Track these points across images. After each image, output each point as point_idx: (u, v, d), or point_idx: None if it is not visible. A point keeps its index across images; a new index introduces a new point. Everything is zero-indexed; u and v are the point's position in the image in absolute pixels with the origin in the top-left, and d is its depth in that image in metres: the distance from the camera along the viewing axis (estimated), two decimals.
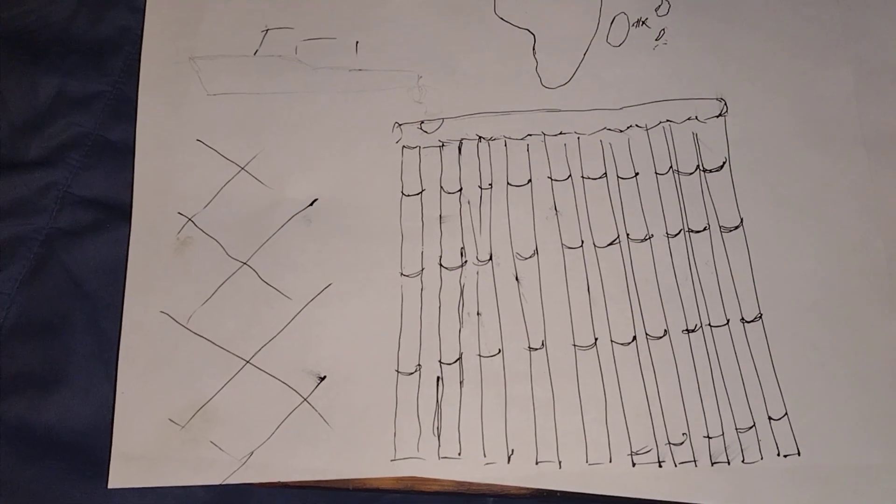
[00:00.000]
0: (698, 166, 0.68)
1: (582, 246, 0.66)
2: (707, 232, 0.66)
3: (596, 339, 0.64)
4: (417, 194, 0.68)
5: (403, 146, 0.69)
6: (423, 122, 0.70)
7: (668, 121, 0.69)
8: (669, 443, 0.61)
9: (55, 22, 0.75)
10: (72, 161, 0.71)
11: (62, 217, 0.70)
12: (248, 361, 0.64)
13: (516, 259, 0.66)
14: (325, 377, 0.63)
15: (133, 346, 0.65)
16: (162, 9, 0.74)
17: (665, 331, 0.64)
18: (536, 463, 0.61)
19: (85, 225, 0.70)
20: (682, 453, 0.61)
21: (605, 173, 0.68)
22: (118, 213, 0.69)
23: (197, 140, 0.70)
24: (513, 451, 0.62)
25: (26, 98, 0.73)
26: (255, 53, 0.72)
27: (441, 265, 0.66)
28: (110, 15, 0.75)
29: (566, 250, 0.66)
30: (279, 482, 0.62)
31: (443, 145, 0.69)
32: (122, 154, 0.71)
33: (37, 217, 0.70)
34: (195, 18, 0.73)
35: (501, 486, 0.62)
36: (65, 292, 0.68)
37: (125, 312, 0.65)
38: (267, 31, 0.72)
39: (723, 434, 0.61)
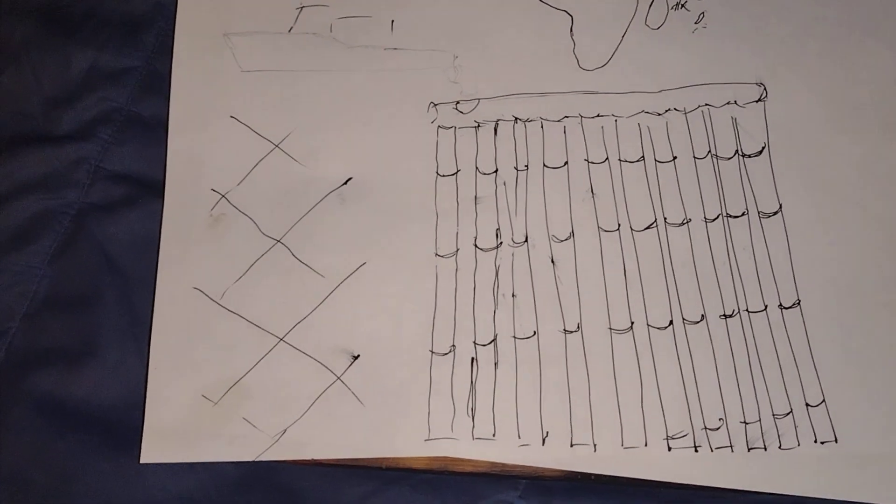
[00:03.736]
0: (737, 151, 0.67)
1: (619, 229, 0.65)
2: (745, 217, 0.65)
3: (632, 323, 0.63)
4: (453, 175, 0.67)
5: (439, 126, 0.68)
6: (458, 102, 0.69)
7: (706, 105, 0.68)
8: (706, 428, 0.61)
9: None
10: (103, 136, 0.71)
11: (93, 192, 0.70)
12: (281, 339, 0.63)
13: (552, 241, 0.65)
14: (358, 356, 0.63)
15: (166, 321, 0.64)
16: None
17: (702, 316, 0.63)
18: (571, 445, 0.61)
19: (116, 200, 0.69)
20: (719, 438, 0.61)
21: (643, 156, 0.67)
22: (150, 188, 0.69)
23: (230, 117, 0.69)
24: (547, 433, 0.61)
25: (59, 72, 0.72)
26: (289, 31, 0.71)
27: (476, 246, 0.65)
28: None
29: (602, 233, 0.65)
30: (311, 460, 0.61)
31: (478, 126, 0.68)
32: (154, 130, 0.70)
33: (68, 191, 0.69)
34: None
35: (535, 467, 0.61)
36: (96, 267, 0.68)
37: (158, 288, 0.65)
38: (302, 8, 0.72)
39: (760, 420, 0.61)
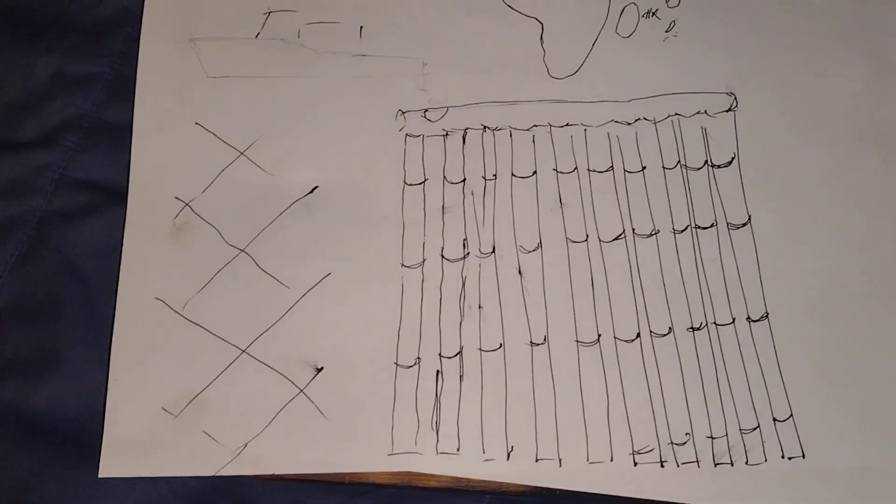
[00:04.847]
0: (706, 161, 0.66)
1: (587, 240, 0.65)
2: (714, 228, 0.65)
3: (599, 336, 0.63)
4: (420, 184, 0.66)
5: (407, 134, 0.68)
6: (427, 110, 0.68)
7: (676, 114, 0.67)
8: (672, 442, 0.60)
9: (54, 0, 0.73)
10: (68, 142, 0.70)
11: (57, 199, 0.68)
12: (243, 351, 0.63)
13: (519, 252, 0.65)
14: (322, 368, 0.62)
15: (126, 332, 0.63)
16: None
17: (670, 328, 0.63)
18: (536, 460, 0.60)
19: (80, 207, 0.68)
20: (685, 453, 0.60)
21: (612, 166, 0.66)
22: (114, 196, 0.68)
23: (196, 123, 0.68)
24: (512, 447, 0.60)
25: (23, 77, 0.71)
26: (256, 36, 0.70)
27: (443, 256, 0.65)
28: None
29: (570, 244, 0.65)
30: (273, 475, 0.60)
31: (447, 134, 0.68)
32: (119, 136, 0.69)
33: (31, 198, 0.68)
34: None
35: (499, 482, 0.60)
36: (58, 276, 0.67)
37: (119, 298, 0.64)
38: (269, 13, 0.71)
39: (726, 434, 0.60)
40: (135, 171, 0.67)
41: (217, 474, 0.60)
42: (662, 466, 0.60)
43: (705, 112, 0.67)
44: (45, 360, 0.65)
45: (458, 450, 0.60)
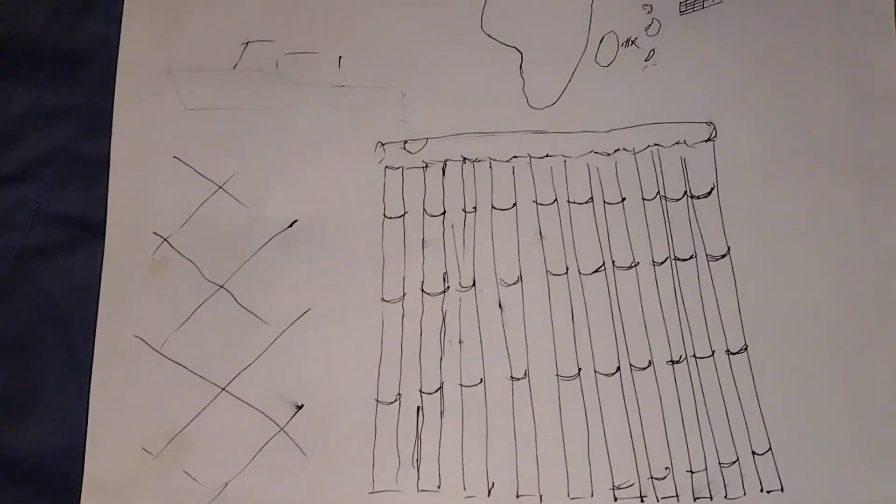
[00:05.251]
0: (686, 192, 0.66)
1: (567, 273, 0.65)
2: (694, 260, 0.65)
3: (579, 370, 0.63)
4: (400, 217, 0.66)
5: (386, 166, 0.67)
6: (406, 141, 0.68)
7: (656, 145, 0.67)
8: (652, 477, 0.60)
9: (29, 32, 0.72)
10: (45, 176, 0.69)
11: (34, 234, 0.68)
12: (223, 389, 0.62)
13: (500, 285, 0.64)
14: (302, 406, 0.62)
15: (105, 371, 0.63)
16: (139, 19, 0.71)
17: (650, 362, 0.63)
18: (517, 496, 0.60)
19: (58, 243, 0.68)
20: (665, 488, 0.60)
21: (592, 198, 0.66)
22: (92, 231, 0.67)
23: (173, 157, 0.68)
24: (493, 484, 0.61)
25: None
26: (234, 67, 0.70)
27: (423, 291, 0.64)
28: (86, 25, 0.72)
29: (551, 277, 0.65)
30: None
31: (426, 166, 0.67)
32: (97, 170, 0.69)
33: (7, 234, 0.68)
34: (173, 30, 0.71)
35: None
36: (36, 312, 0.66)
37: (97, 336, 0.64)
38: (247, 44, 0.70)
39: (706, 469, 0.61)
40: (112, 206, 0.67)
41: None
42: (643, 501, 0.60)
43: (684, 142, 0.67)
44: (23, 400, 0.64)
45: (438, 487, 0.61)
